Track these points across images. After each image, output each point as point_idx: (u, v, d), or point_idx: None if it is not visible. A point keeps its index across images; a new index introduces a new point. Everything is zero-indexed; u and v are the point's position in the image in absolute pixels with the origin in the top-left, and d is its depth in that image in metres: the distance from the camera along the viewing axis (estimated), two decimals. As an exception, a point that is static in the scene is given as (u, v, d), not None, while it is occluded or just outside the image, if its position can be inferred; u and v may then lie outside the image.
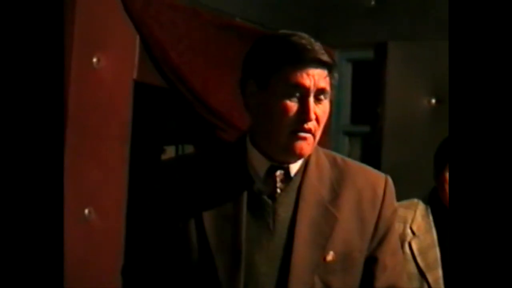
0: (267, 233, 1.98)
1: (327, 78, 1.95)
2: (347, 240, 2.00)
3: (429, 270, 3.09)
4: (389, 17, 5.19)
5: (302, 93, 1.92)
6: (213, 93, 4.46)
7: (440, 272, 3.09)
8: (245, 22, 4.82)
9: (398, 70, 5.16)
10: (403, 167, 4.79)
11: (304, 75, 1.92)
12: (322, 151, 2.08)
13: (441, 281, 3.08)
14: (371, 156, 5.19)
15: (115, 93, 4.05)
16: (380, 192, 2.07)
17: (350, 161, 2.12)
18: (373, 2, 5.28)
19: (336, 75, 1.98)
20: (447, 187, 3.06)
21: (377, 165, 4.45)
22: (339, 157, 2.11)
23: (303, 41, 1.94)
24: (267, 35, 2.04)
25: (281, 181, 2.00)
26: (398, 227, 2.99)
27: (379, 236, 2.05)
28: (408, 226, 3.11)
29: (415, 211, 3.14)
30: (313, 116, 1.92)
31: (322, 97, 1.95)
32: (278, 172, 2.00)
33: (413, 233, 3.10)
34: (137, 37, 4.15)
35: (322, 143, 2.02)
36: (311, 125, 1.93)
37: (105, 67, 3.97)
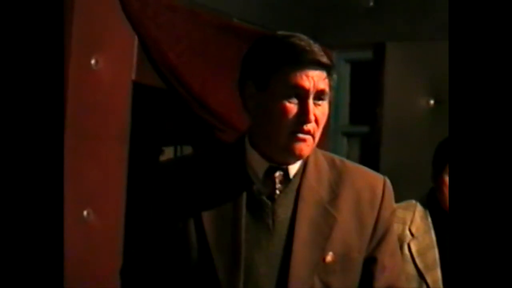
0: (267, 234, 1.98)
1: (326, 80, 1.95)
2: (346, 241, 2.00)
3: (428, 271, 3.10)
4: (388, 17, 5.20)
5: (302, 95, 1.92)
6: (211, 94, 4.46)
7: (439, 273, 3.09)
8: (243, 22, 4.82)
9: (397, 71, 5.16)
10: (402, 168, 4.79)
11: (304, 77, 1.92)
12: (320, 153, 2.09)
13: (440, 282, 3.08)
14: (370, 156, 5.19)
15: (114, 94, 4.05)
16: (379, 193, 2.07)
17: (348, 162, 2.12)
18: (371, 3, 5.29)
19: (335, 76, 1.98)
20: (445, 189, 3.06)
21: (375, 166, 4.47)
22: (337, 158, 2.12)
23: (302, 43, 1.94)
24: (265, 36, 2.04)
25: (280, 182, 2.00)
26: (397, 228, 3.00)
27: (378, 237, 2.05)
28: (407, 227, 3.11)
29: (413, 212, 3.15)
30: (312, 117, 1.92)
31: (321, 98, 1.95)
32: (277, 173, 2.00)
33: (411, 234, 3.10)
34: (136, 38, 4.15)
35: (320, 143, 2.02)
36: (310, 126, 1.93)
37: (104, 68, 3.97)
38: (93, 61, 3.92)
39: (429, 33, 4.97)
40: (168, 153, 5.87)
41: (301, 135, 1.93)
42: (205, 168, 2.04)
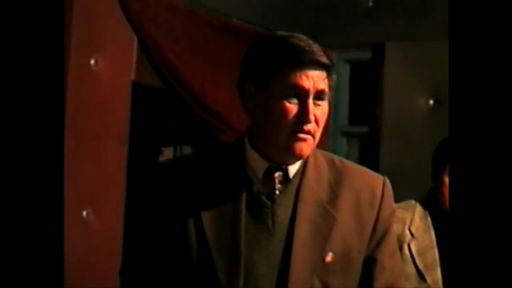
0: (266, 234, 1.98)
1: (326, 80, 1.95)
2: (345, 241, 2.00)
3: (428, 271, 3.10)
4: (387, 17, 5.20)
5: (302, 95, 1.92)
6: (211, 94, 4.46)
7: (439, 273, 3.09)
8: (243, 23, 4.82)
9: (396, 71, 5.16)
10: (401, 168, 4.79)
11: (304, 77, 1.92)
12: (320, 153, 2.09)
13: (440, 282, 3.08)
14: (369, 156, 5.19)
15: (113, 94, 4.05)
16: (378, 194, 2.07)
17: (348, 162, 2.12)
18: (371, 3, 5.29)
19: (334, 76, 1.99)
20: (445, 190, 3.06)
21: (375, 166, 4.47)
22: (337, 158, 2.12)
23: (302, 43, 1.95)
24: (265, 36, 2.04)
25: (280, 182, 2.01)
26: (397, 228, 3.00)
27: (377, 237, 2.05)
28: (406, 227, 3.11)
29: (413, 213, 3.15)
30: (312, 118, 1.92)
31: (321, 98, 1.95)
32: (277, 174, 2.00)
33: (411, 234, 3.10)
34: (135, 38, 4.15)
35: (320, 144, 2.03)
36: (310, 126, 1.93)
37: (103, 68, 3.96)
38: (92, 61, 3.91)
39: (429, 33, 4.97)
40: (167, 153, 5.87)
41: (301, 135, 1.93)
42: (204, 169, 2.04)
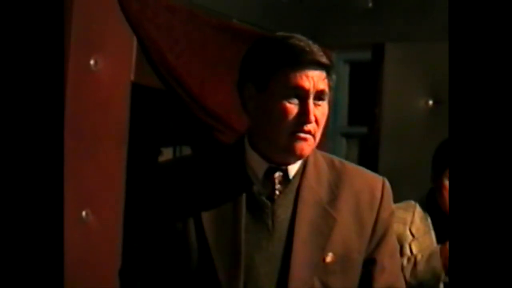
0: (267, 235, 1.98)
1: (326, 80, 1.95)
2: (345, 242, 2.01)
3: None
4: (387, 18, 5.20)
5: (302, 95, 1.92)
6: (210, 95, 4.46)
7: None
8: (242, 23, 4.82)
9: (396, 71, 5.16)
10: (401, 169, 4.79)
11: (304, 77, 1.92)
12: (320, 154, 2.09)
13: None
14: (369, 157, 5.19)
15: (113, 94, 4.05)
16: (378, 194, 2.07)
17: (347, 163, 2.12)
18: (370, 4, 5.29)
19: (334, 76, 1.99)
20: (445, 193, 3.06)
21: (374, 166, 4.47)
22: (336, 159, 2.12)
23: (302, 43, 1.95)
24: (264, 37, 2.04)
25: (280, 182, 2.01)
26: (397, 228, 3.01)
27: (377, 238, 2.05)
28: (407, 227, 3.11)
29: (413, 213, 3.15)
30: (312, 118, 1.92)
31: (321, 98, 1.95)
32: (277, 174, 2.00)
33: (412, 235, 3.10)
34: (134, 39, 4.15)
35: (319, 144, 2.03)
36: (310, 127, 1.93)
37: (103, 69, 3.97)
38: (92, 62, 3.92)
39: (428, 33, 4.97)
40: (167, 153, 5.86)
41: (301, 135, 1.93)
42: (204, 169, 2.04)
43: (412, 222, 3.13)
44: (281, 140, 1.94)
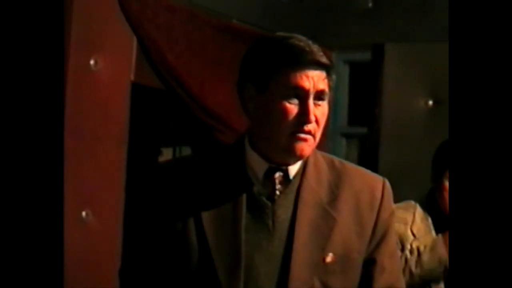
0: (267, 235, 1.98)
1: (326, 80, 1.95)
2: (346, 242, 2.01)
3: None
4: (386, 18, 5.20)
5: (302, 95, 1.92)
6: (210, 95, 4.46)
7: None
8: (242, 23, 4.82)
9: (395, 72, 5.16)
10: (400, 169, 4.79)
11: (304, 77, 1.92)
12: (320, 154, 2.09)
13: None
14: (368, 157, 5.19)
15: (113, 95, 4.05)
16: (378, 195, 2.07)
17: (347, 163, 2.12)
18: (370, 4, 5.29)
19: (334, 76, 1.99)
20: (445, 194, 3.06)
21: (374, 167, 4.46)
22: (336, 159, 2.12)
23: (301, 43, 1.95)
24: (264, 38, 2.03)
25: (280, 183, 2.01)
26: (399, 227, 3.01)
27: (377, 238, 2.05)
28: (408, 227, 3.11)
29: (413, 213, 3.15)
30: (313, 118, 1.92)
31: (321, 98, 1.95)
32: (277, 174, 2.00)
33: (413, 235, 3.10)
34: (134, 39, 4.15)
35: (319, 144, 2.03)
36: (311, 127, 1.93)
37: (103, 69, 3.97)
38: (92, 62, 3.92)
39: (428, 34, 4.97)
40: (166, 154, 5.87)
41: (302, 135, 1.93)
42: (204, 169, 2.04)
43: (413, 222, 3.13)
44: (281, 140, 1.94)
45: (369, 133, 5.32)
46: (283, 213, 1.99)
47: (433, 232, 3.12)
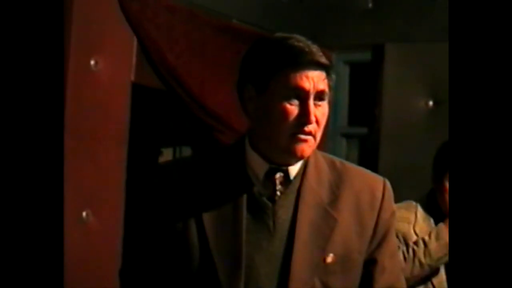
0: (267, 235, 1.98)
1: (326, 80, 1.95)
2: (346, 242, 2.00)
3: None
4: (387, 19, 5.20)
5: (302, 96, 1.92)
6: (210, 95, 4.46)
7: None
8: (242, 23, 4.82)
9: (396, 72, 5.17)
10: (401, 169, 4.79)
11: (304, 78, 1.92)
12: (320, 154, 2.09)
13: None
14: (369, 158, 5.19)
15: (113, 95, 4.05)
16: (379, 195, 2.07)
17: (348, 164, 2.12)
18: (370, 4, 5.29)
19: (333, 76, 1.99)
20: (446, 196, 3.07)
21: (374, 167, 4.47)
22: (337, 160, 2.12)
23: (301, 44, 1.94)
24: (263, 38, 2.03)
25: (281, 183, 2.00)
26: (402, 226, 3.02)
27: (378, 238, 2.05)
28: (411, 227, 3.12)
29: (415, 213, 3.15)
30: (313, 118, 1.92)
31: (321, 99, 1.95)
32: (278, 175, 2.00)
33: (416, 234, 3.11)
34: (135, 39, 4.15)
35: (319, 145, 2.02)
36: (311, 127, 1.93)
37: (103, 69, 3.97)
38: (92, 62, 3.92)
39: (428, 34, 4.97)
40: (167, 154, 5.87)
41: (302, 136, 1.93)
42: (205, 170, 2.04)
43: (415, 222, 3.13)
44: (282, 141, 1.94)
45: (369, 133, 5.32)
46: (284, 213, 1.99)
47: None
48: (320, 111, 1.95)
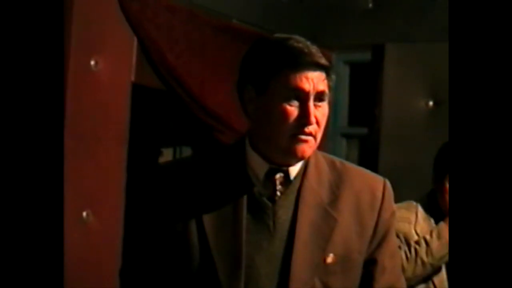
0: (268, 236, 1.98)
1: (325, 81, 1.95)
2: (346, 242, 2.00)
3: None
4: (387, 19, 5.20)
5: (302, 97, 1.92)
6: (210, 95, 4.46)
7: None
8: (242, 24, 4.82)
9: (396, 72, 5.17)
10: (401, 169, 4.80)
11: (303, 79, 1.92)
12: (320, 154, 2.09)
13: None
14: (369, 158, 5.19)
15: (113, 95, 4.05)
16: (379, 195, 2.07)
17: (348, 164, 2.12)
18: (370, 4, 5.29)
19: (333, 77, 1.99)
20: (447, 196, 3.07)
21: (374, 167, 4.47)
22: (337, 160, 2.12)
23: (300, 45, 1.94)
24: (263, 39, 2.03)
25: (281, 183, 2.00)
26: (403, 226, 3.02)
27: (378, 238, 2.05)
28: (412, 227, 3.12)
29: (416, 213, 3.15)
30: (313, 119, 1.92)
31: (321, 99, 1.95)
32: (278, 175, 2.00)
33: (417, 234, 3.11)
34: (135, 39, 4.15)
35: (319, 145, 2.02)
36: (311, 128, 1.93)
37: (103, 69, 3.97)
38: (92, 62, 3.92)
39: (428, 34, 4.97)
40: (167, 154, 5.87)
41: (302, 136, 1.93)
42: (205, 170, 2.04)
43: (416, 222, 3.13)
44: (282, 142, 1.94)
45: (370, 133, 5.32)
46: (284, 213, 1.99)
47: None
48: (320, 112, 1.95)
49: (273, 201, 2.00)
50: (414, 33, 5.07)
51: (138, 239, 2.08)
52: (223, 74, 4.37)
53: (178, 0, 4.37)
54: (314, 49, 1.95)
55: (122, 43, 4.10)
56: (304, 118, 1.92)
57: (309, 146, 1.94)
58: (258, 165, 2.01)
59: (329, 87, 1.96)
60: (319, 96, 1.94)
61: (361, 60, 5.44)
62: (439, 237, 3.05)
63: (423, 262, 3.03)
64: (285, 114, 1.92)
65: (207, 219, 1.97)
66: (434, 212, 3.16)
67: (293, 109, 1.92)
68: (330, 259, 1.98)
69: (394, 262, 2.10)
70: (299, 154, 1.94)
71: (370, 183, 2.09)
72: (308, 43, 1.97)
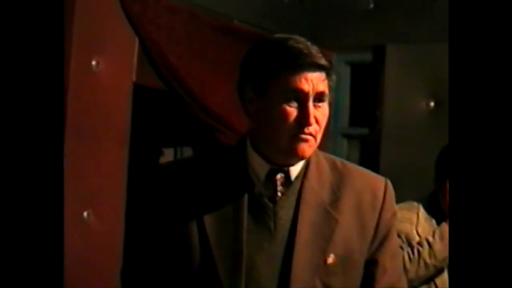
0: (268, 236, 1.98)
1: (326, 81, 1.95)
2: (347, 243, 2.00)
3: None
4: (388, 19, 5.20)
5: (301, 98, 1.92)
6: (211, 96, 4.46)
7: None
8: (243, 24, 4.82)
9: (397, 73, 5.16)
10: (402, 170, 4.79)
11: (303, 80, 1.92)
12: (321, 155, 2.09)
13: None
14: (370, 158, 5.19)
15: (114, 95, 4.05)
16: (380, 195, 2.07)
17: (349, 164, 2.12)
18: (371, 5, 5.29)
19: (334, 77, 1.98)
20: (448, 197, 3.06)
21: (375, 168, 4.46)
22: (338, 160, 2.12)
23: (300, 45, 1.94)
24: (263, 40, 2.03)
25: (282, 184, 2.01)
26: (405, 227, 3.02)
27: (379, 239, 2.05)
28: (414, 227, 3.12)
29: (417, 214, 3.16)
30: (313, 120, 1.92)
31: (321, 100, 1.95)
32: (279, 176, 2.00)
33: (418, 235, 3.11)
34: (136, 39, 4.15)
35: (320, 145, 2.03)
36: (311, 129, 1.93)
37: (104, 70, 3.97)
38: (93, 63, 3.92)
39: (429, 35, 4.97)
40: (168, 154, 5.86)
41: (302, 136, 1.93)
42: (206, 171, 2.04)
43: (417, 222, 3.14)
44: (282, 142, 1.94)
45: (370, 134, 5.32)
46: (285, 214, 1.99)
47: (437, 232, 3.13)
48: (320, 112, 1.95)
49: (274, 201, 2.00)
50: (415, 34, 5.07)
51: (139, 240, 2.08)
52: (224, 75, 4.37)
53: (179, 1, 4.37)
54: (314, 49, 1.95)
55: (123, 43, 4.10)
56: (303, 119, 1.92)
57: (309, 145, 1.94)
58: (259, 165, 2.01)
59: (329, 88, 1.96)
60: (319, 97, 1.94)
61: (362, 61, 5.44)
62: (441, 238, 3.04)
63: (426, 264, 3.03)
64: (284, 115, 1.92)
65: (208, 219, 1.97)
66: (436, 212, 3.16)
67: (292, 110, 1.92)
68: (331, 259, 1.98)
69: (395, 263, 2.10)
70: (300, 154, 1.94)
71: (371, 183, 2.08)
72: (309, 43, 1.96)
